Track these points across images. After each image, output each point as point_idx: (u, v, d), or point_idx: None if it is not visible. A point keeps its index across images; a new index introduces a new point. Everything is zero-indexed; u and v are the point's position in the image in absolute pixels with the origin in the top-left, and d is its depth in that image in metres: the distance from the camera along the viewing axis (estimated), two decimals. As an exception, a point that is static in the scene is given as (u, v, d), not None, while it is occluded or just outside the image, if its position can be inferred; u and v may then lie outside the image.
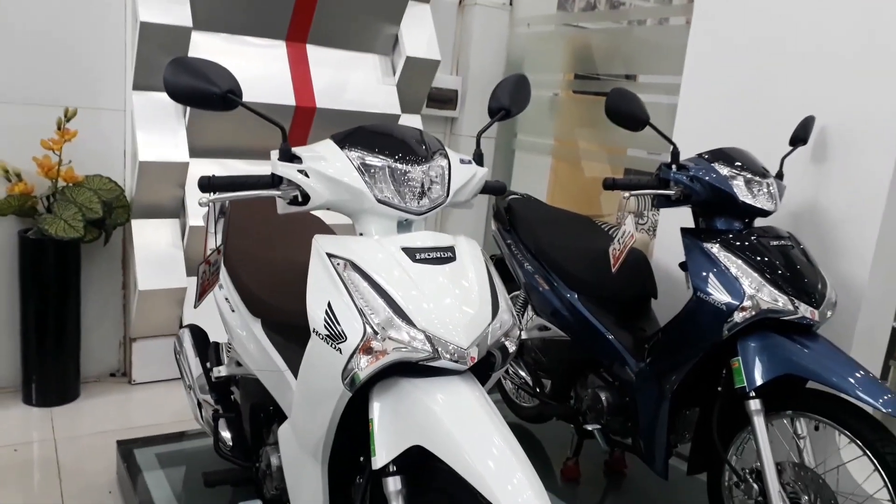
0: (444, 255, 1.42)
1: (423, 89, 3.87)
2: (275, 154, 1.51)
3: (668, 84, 3.37)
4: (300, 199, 1.48)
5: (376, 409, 1.37)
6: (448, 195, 1.49)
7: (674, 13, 4.16)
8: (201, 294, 1.70)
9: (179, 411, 3.28)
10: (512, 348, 1.45)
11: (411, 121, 3.85)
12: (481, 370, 1.46)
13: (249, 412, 2.00)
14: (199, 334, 2.42)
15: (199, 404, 2.21)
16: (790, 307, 1.90)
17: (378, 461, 1.33)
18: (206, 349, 2.36)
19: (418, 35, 3.80)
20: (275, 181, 1.51)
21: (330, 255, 1.41)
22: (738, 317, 1.91)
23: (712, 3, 2.72)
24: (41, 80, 3.12)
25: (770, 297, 1.90)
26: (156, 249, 3.34)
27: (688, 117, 2.81)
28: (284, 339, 1.86)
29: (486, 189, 1.67)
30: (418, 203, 1.45)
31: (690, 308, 2.03)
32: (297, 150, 1.50)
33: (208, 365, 2.29)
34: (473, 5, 4.10)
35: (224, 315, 2.05)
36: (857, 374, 1.78)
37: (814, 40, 2.39)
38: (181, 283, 3.34)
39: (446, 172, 1.50)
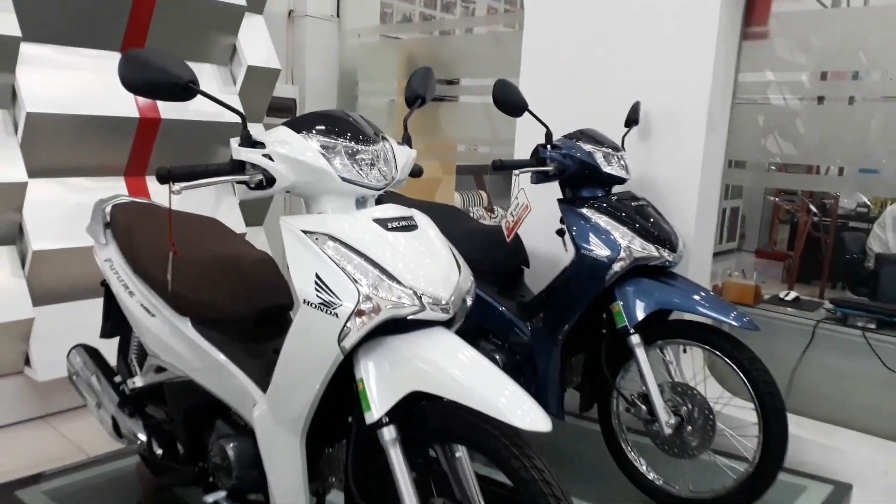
0: (409, 224, 1.58)
1: (264, 98, 3.90)
2: (234, 141, 1.56)
3: (487, 85, 3.84)
4: (264, 184, 1.55)
5: (366, 368, 1.49)
6: (397, 173, 1.65)
7: (478, 24, 4.64)
8: None
9: (38, 453, 3.00)
10: (469, 302, 1.64)
11: (254, 130, 3.86)
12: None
13: (184, 415, 1.98)
14: (92, 352, 2.30)
15: (114, 420, 2.12)
16: (656, 253, 2.30)
17: (374, 414, 1.45)
18: (106, 365, 2.26)
19: (256, 45, 3.83)
20: (235, 168, 1.56)
21: (307, 232, 1.51)
22: (616, 266, 2.27)
23: (541, 8, 3.11)
24: None
25: (641, 247, 2.28)
26: (-7, 280, 3.03)
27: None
28: (220, 333, 1.88)
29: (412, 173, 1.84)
30: (376, 179, 1.59)
31: (574, 265, 2.36)
32: (256, 136, 1.56)
33: (116, 379, 2.20)
34: (303, 17, 4.21)
35: (141, 322, 1.99)
36: (714, 301, 2.21)
37: (633, 33, 2.85)
38: (26, 314, 3.07)
39: (391, 152, 1.66)
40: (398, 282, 1.46)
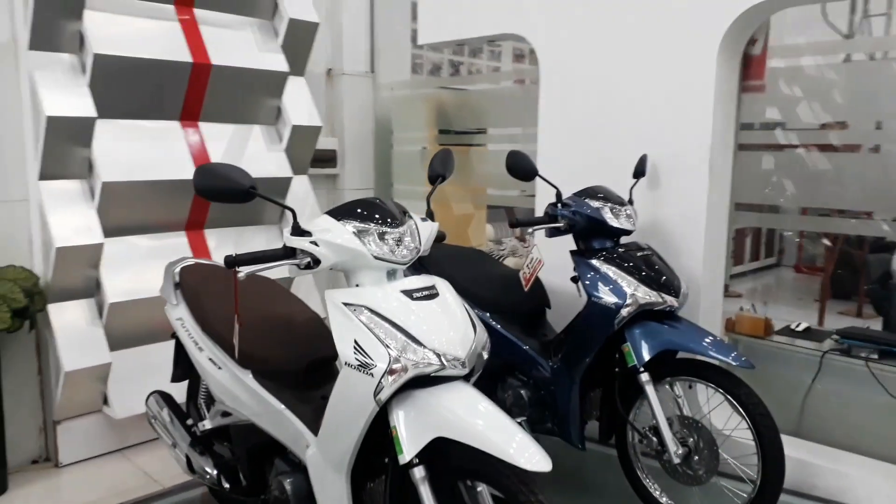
0: (432, 293, 1.88)
1: (308, 152, 4.26)
2: (286, 231, 1.88)
3: (513, 134, 4.14)
4: (312, 264, 1.86)
5: (398, 417, 1.78)
6: (421, 246, 1.95)
7: (503, 78, 4.95)
8: None
9: (117, 484, 3.37)
10: (485, 356, 1.92)
11: (301, 181, 4.22)
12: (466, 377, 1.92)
13: (247, 454, 2.30)
14: (167, 398, 2.65)
15: (188, 458, 2.45)
16: (659, 299, 2.54)
17: (406, 456, 1.74)
18: (179, 409, 2.61)
19: (299, 105, 4.20)
20: (287, 252, 1.88)
21: (346, 304, 1.81)
22: (624, 312, 2.52)
23: (554, 65, 3.40)
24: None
25: (644, 294, 2.53)
26: (76, 330, 3.43)
27: (547, 161, 3.45)
28: (276, 384, 2.20)
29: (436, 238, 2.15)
30: (402, 255, 1.89)
31: (587, 311, 2.62)
32: (303, 226, 1.88)
33: (189, 422, 2.54)
34: (341, 75, 4.58)
35: (209, 374, 2.33)
36: (713, 341, 2.45)
37: (638, 87, 3.10)
38: (105, 359, 3.46)
39: (416, 229, 1.96)
40: (422, 345, 1.76)
